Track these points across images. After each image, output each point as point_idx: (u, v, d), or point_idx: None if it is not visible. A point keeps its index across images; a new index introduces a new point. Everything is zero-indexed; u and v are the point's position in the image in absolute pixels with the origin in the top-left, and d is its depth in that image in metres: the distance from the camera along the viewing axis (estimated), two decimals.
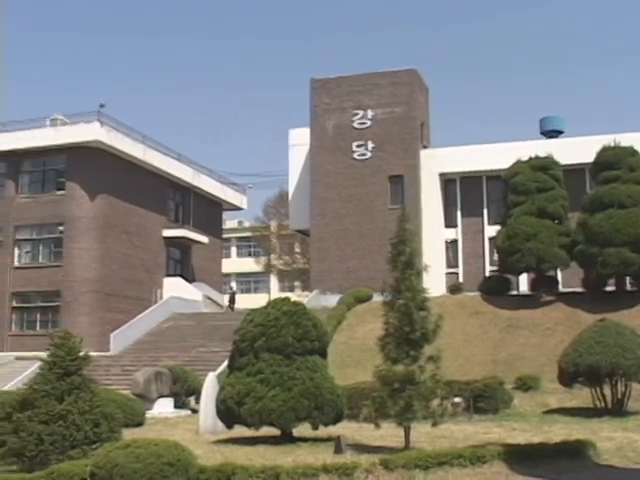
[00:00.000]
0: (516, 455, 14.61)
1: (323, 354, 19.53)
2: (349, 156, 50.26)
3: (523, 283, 45.19)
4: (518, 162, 42.61)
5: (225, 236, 70.43)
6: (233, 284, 54.38)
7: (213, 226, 59.39)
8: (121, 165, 48.25)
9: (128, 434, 14.85)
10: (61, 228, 47.01)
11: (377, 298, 29.05)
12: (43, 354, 14.28)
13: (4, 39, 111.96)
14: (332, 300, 44.04)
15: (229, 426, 19.46)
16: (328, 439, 17.83)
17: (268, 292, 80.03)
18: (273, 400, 17.94)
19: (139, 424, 23.67)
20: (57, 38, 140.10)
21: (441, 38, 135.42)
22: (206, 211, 58.08)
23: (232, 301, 54.06)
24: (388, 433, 17.83)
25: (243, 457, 14.79)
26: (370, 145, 50.05)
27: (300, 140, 52.74)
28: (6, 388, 29.28)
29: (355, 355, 34.26)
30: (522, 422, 23.14)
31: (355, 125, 50.42)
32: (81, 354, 13.94)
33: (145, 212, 50.53)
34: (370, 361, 18.64)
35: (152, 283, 50.47)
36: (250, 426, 18.58)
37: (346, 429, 19.35)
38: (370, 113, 50.33)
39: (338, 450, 15.80)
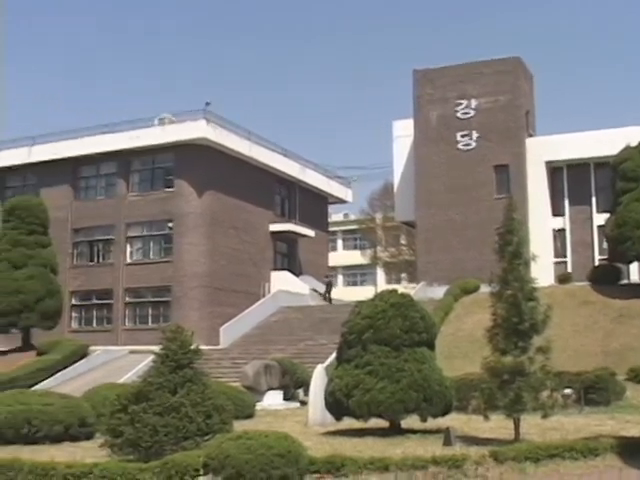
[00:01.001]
0: (630, 448, 14.29)
1: (431, 346, 19.47)
2: (453, 146, 49.89)
3: (634, 272, 44.10)
4: (627, 148, 41.57)
5: (331, 229, 70.73)
6: (329, 274, 54.34)
7: (319, 220, 59.72)
8: (228, 161, 48.95)
9: (239, 426, 15.08)
10: (170, 225, 47.98)
11: (484, 289, 28.80)
12: (156, 348, 14.60)
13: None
14: (439, 291, 43.78)
15: (338, 418, 19.57)
16: (437, 431, 17.78)
17: (374, 284, 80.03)
18: (381, 392, 17.97)
19: (249, 416, 23.99)
20: (163, 41, 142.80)
21: (544, 23, 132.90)
22: (312, 205, 58.42)
23: (328, 291, 54.08)
24: (497, 425, 17.69)
25: (352, 449, 14.87)
26: (474, 135, 49.58)
27: (404, 132, 52.57)
28: (121, 381, 30.03)
29: (463, 347, 34.03)
30: (635, 414, 22.60)
31: (459, 115, 50.00)
32: (192, 347, 14.20)
33: (252, 207, 51.15)
34: (478, 353, 18.52)
35: (260, 277, 51.06)
36: (359, 418, 18.65)
37: (455, 421, 19.26)
38: (474, 102, 49.84)
39: (447, 442, 15.75)
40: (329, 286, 54.55)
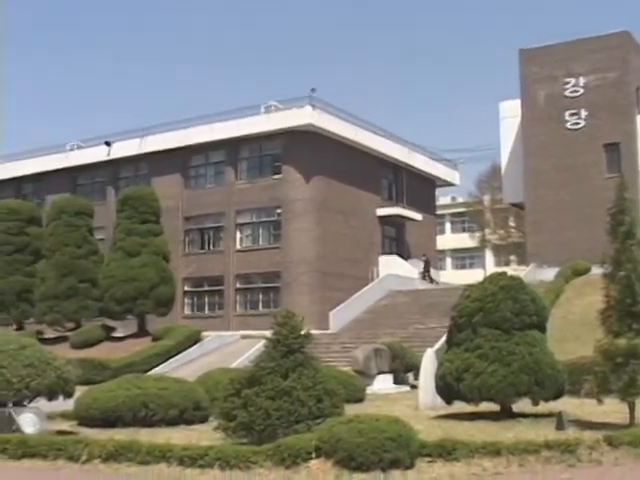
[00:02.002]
0: None
1: (542, 329, 19.23)
2: (562, 125, 48.92)
3: None
4: None
5: (439, 212, 70.32)
6: (426, 253, 53.92)
7: (426, 203, 59.45)
8: (334, 147, 49.13)
9: (349, 410, 15.20)
10: (279, 211, 48.47)
11: (596, 270, 28.25)
12: (267, 333, 14.80)
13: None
14: (549, 273, 43.10)
15: (448, 402, 19.53)
16: (549, 415, 17.58)
17: (483, 267, 79.31)
18: (492, 375, 17.85)
19: (360, 400, 24.11)
20: (267, 31, 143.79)
21: None
22: (419, 188, 58.19)
23: (427, 269, 53.68)
24: (611, 409, 17.37)
25: (463, 432, 14.84)
26: (583, 113, 48.51)
27: (511, 112, 51.82)
28: (234, 365, 30.52)
29: (574, 329, 33.43)
30: None
31: (567, 93, 48.97)
32: (303, 332, 14.35)
33: (359, 192, 51.25)
34: (590, 335, 18.22)
35: (368, 261, 51.16)
36: (469, 402, 18.58)
37: (567, 405, 19.00)
38: (582, 80, 48.74)
39: (560, 426, 15.57)
40: (427, 264, 54.17)
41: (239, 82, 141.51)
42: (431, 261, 54.98)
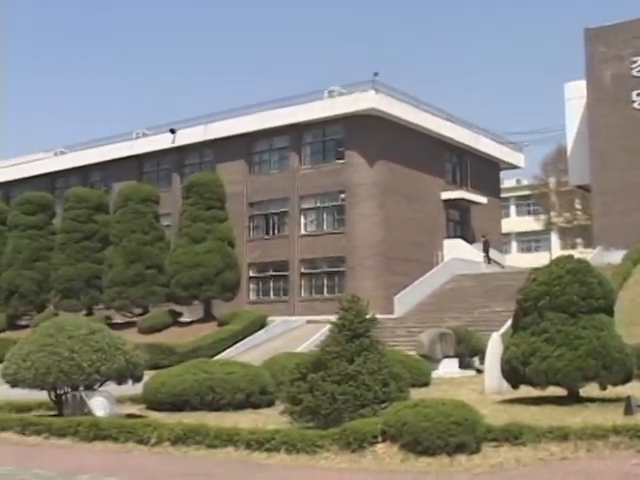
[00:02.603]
0: None
1: (609, 312, 18.98)
2: (629, 106, 48.04)
3: None
4: None
5: (503, 195, 69.73)
6: (485, 234, 53.48)
7: (491, 186, 59.00)
8: (397, 130, 49.01)
9: (415, 394, 15.21)
10: (343, 196, 48.54)
11: None
12: (332, 317, 14.86)
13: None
14: (616, 256, 42.45)
15: (514, 386, 19.39)
16: (617, 400, 17.37)
17: (549, 250, 78.48)
18: (559, 359, 17.68)
19: (425, 384, 24.08)
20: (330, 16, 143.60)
21: None
22: (483, 171, 57.76)
23: (486, 249, 53.25)
24: None
25: (529, 417, 14.74)
26: None
27: (576, 93, 51.05)
28: (299, 350, 30.68)
29: None
30: None
31: (634, 73, 48.03)
32: (368, 317, 14.37)
33: (423, 176, 51.09)
34: None
35: (432, 245, 50.99)
36: (536, 386, 18.43)
37: (635, 389, 18.73)
38: None
39: (628, 411, 15.37)
40: (486, 245, 53.75)
41: (302, 67, 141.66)
42: (490, 242, 54.48)
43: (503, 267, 53.83)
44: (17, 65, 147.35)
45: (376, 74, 47.69)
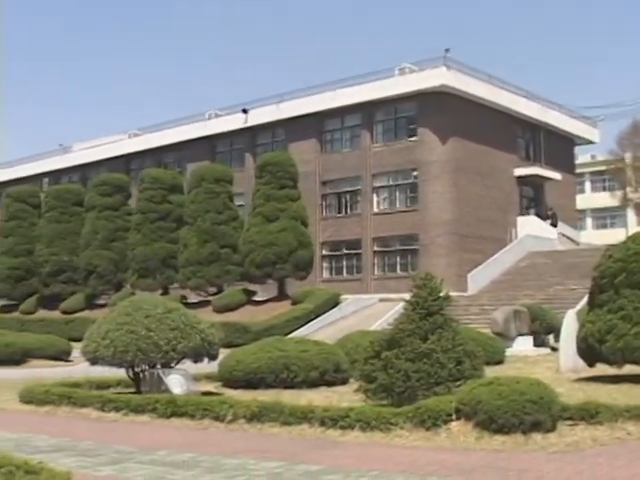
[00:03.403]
0: None
1: None
2: None
3: None
4: None
5: (578, 171, 68.61)
6: (552, 207, 52.80)
7: (565, 162, 58.13)
8: (469, 107, 48.56)
9: (489, 372, 15.16)
10: (415, 173, 48.34)
11: None
12: (405, 295, 14.85)
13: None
14: None
15: (590, 364, 19.18)
16: None
17: (625, 227, 77.11)
18: (636, 338, 17.43)
19: (499, 362, 23.97)
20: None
21: None
22: (557, 147, 56.92)
23: (553, 224, 52.45)
24: None
25: (606, 395, 14.59)
26: None
27: None
28: (372, 328, 30.73)
29: None
30: None
31: None
32: (442, 294, 14.34)
33: (496, 152, 50.56)
34: None
35: (506, 222, 50.51)
36: (612, 364, 18.20)
37: None
38: None
39: None
40: (553, 219, 53.00)
41: (373, 45, 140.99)
42: (557, 216, 53.72)
43: (578, 244, 53.11)
44: (96, 46, 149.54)
45: (447, 50, 47.33)
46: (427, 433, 11.74)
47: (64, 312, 51.35)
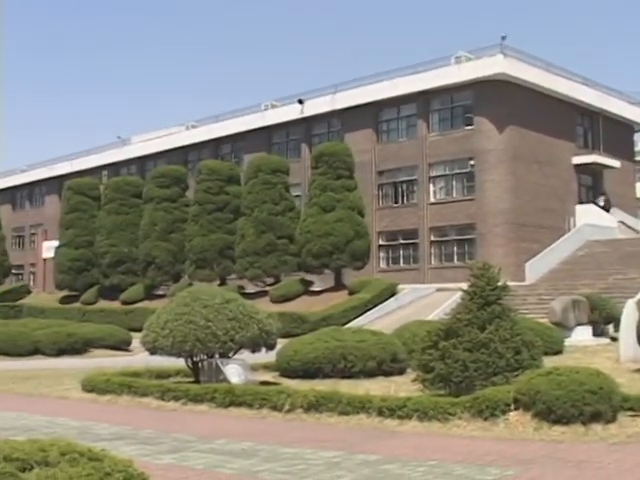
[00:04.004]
0: None
1: None
2: None
3: None
4: None
5: (638, 159, 67.52)
6: (605, 192, 52.10)
7: (624, 149, 57.26)
8: (526, 95, 48.08)
9: (548, 362, 15.02)
10: (472, 162, 48.02)
11: None
12: (463, 285, 14.79)
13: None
14: None
15: None
16: None
17: None
18: None
19: (558, 352, 23.73)
20: None
21: None
22: (616, 134, 56.07)
23: (606, 209, 51.63)
24: None
25: None
26: None
27: None
28: (429, 318, 30.69)
29: None
30: None
31: None
32: (500, 284, 14.25)
33: (554, 140, 50.00)
34: None
35: (564, 211, 49.96)
36: None
37: None
38: None
39: None
40: (607, 203, 52.23)
41: (428, 33, 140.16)
42: (611, 201, 52.97)
43: (638, 232, 52.34)
44: (154, 38, 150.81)
45: (504, 37, 46.90)
46: (485, 423, 11.70)
47: (124, 303, 52.06)
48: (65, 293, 59.70)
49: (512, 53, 47.60)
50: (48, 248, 68.09)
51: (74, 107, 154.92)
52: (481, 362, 13.35)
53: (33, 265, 77.18)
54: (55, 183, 75.80)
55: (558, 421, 11.32)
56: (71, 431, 11.87)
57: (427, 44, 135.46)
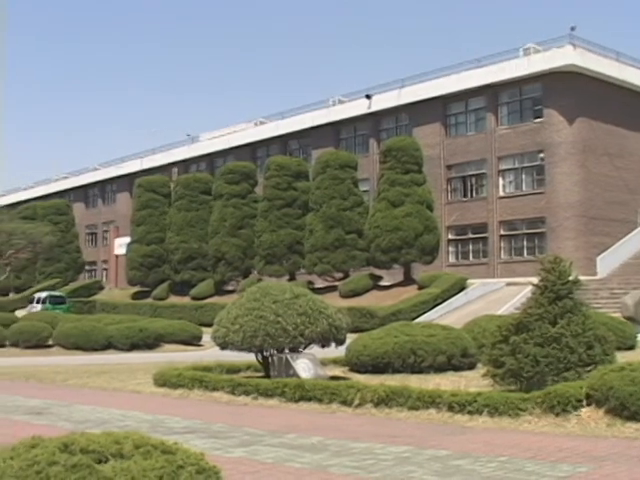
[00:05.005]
0: None
1: None
2: None
3: None
4: None
5: None
6: None
7: None
8: (597, 86, 47.39)
9: (620, 357, 14.81)
10: (541, 155, 47.51)
11: None
12: (533, 279, 14.65)
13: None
14: None
15: None
16: None
17: None
18: None
19: (630, 347, 23.38)
20: None
21: None
22: None
23: None
24: None
25: None
26: None
27: None
28: (499, 312, 30.44)
29: None
30: None
31: None
32: (571, 278, 14.08)
33: (625, 132, 49.19)
34: None
35: (636, 204, 49.13)
36: None
37: None
38: None
39: None
40: None
41: (495, 26, 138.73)
42: None
43: None
44: (216, 37, 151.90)
45: (573, 28, 46.30)
46: (556, 419, 11.57)
47: (194, 298, 52.63)
48: (137, 289, 60.57)
49: (582, 44, 46.99)
50: (120, 245, 69.21)
51: (144, 106, 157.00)
52: (552, 357, 13.20)
53: (105, 262, 78.49)
54: (126, 181, 76.91)
55: (632, 418, 11.15)
56: (143, 424, 12.04)
57: (494, 37, 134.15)
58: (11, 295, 67.56)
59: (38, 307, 52.26)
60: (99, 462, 5.00)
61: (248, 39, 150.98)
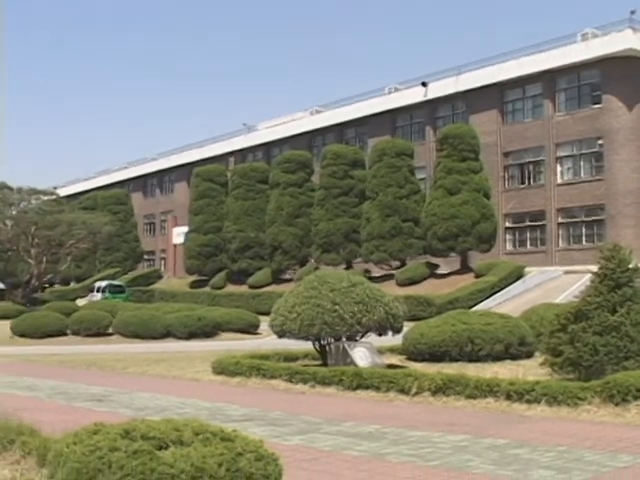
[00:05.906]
0: None
1: None
2: None
3: None
4: None
5: None
6: None
7: None
8: None
9: None
10: (600, 142, 46.88)
11: None
12: (592, 267, 14.52)
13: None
14: None
15: None
16: None
17: None
18: None
19: None
20: None
21: None
22: None
23: None
24: None
25: None
26: None
27: None
28: (557, 301, 30.16)
29: None
30: None
31: None
32: (631, 266, 13.93)
33: None
34: None
35: None
36: None
37: None
38: None
39: None
40: None
41: (552, 11, 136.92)
42: None
43: None
44: (275, 28, 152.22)
45: (632, 12, 45.50)
46: (616, 409, 11.47)
47: (251, 287, 52.95)
48: (195, 278, 61.12)
49: None
50: (178, 234, 69.89)
51: (202, 95, 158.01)
52: (612, 346, 13.08)
53: (164, 251, 79.30)
54: (184, 170, 77.51)
55: None
56: (202, 412, 12.18)
57: (552, 23, 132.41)
58: (72, 284, 68.72)
59: (98, 296, 53.06)
60: (159, 448, 5.10)
61: (305, 28, 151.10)
